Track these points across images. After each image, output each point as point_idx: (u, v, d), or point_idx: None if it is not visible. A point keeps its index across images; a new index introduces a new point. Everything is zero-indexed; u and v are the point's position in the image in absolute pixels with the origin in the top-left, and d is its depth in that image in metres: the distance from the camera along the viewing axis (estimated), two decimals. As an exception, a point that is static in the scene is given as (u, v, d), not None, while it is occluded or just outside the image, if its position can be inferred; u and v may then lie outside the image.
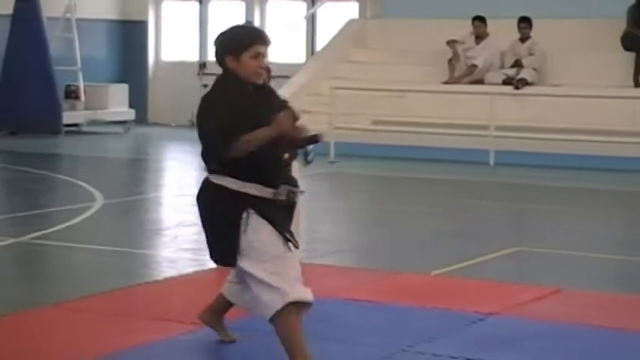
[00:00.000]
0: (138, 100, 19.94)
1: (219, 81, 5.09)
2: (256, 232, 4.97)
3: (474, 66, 16.29)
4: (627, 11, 15.79)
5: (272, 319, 4.95)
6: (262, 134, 4.91)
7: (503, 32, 16.27)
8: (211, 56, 21.22)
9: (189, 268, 7.80)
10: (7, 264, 8.23)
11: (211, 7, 20.87)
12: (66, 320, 6.09)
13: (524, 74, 15.87)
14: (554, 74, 16.11)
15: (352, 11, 19.11)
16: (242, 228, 4.96)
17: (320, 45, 19.17)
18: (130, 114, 19.36)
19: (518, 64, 16.11)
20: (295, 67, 17.41)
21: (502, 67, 16.37)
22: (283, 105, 5.10)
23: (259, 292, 4.97)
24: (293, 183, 5.13)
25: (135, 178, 13.97)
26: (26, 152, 15.68)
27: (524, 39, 16.23)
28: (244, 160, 4.92)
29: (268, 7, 20.37)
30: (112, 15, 20.82)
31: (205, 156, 5.05)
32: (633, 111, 14.85)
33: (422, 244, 9.16)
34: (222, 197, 5.01)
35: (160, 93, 20.96)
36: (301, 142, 5.12)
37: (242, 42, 5.02)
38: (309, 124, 5.43)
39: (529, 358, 5.48)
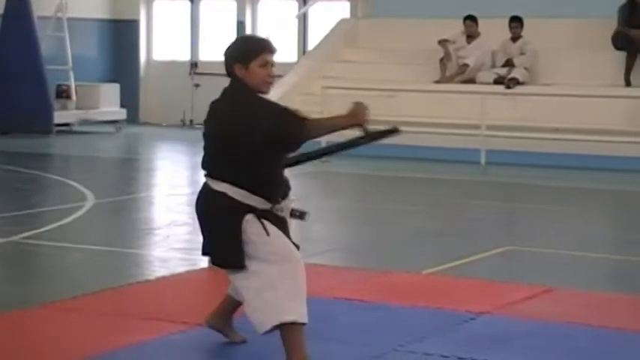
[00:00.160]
0: (129, 99, 19.92)
1: (229, 91, 5.12)
2: (261, 234, 5.00)
3: (466, 65, 16.31)
4: (618, 10, 15.82)
5: (266, 333, 5.01)
6: (336, 121, 5.02)
7: (494, 32, 16.29)
8: (203, 55, 21.19)
9: (180, 268, 7.79)
10: (-2, 264, 8.23)
11: (203, 6, 20.86)
12: (57, 320, 6.08)
13: (516, 74, 15.89)
14: (546, 73, 16.14)
15: (344, 11, 19.12)
16: (245, 231, 4.99)
17: (311, 44, 19.18)
18: (122, 113, 19.35)
19: (509, 64, 16.13)
20: (287, 67, 17.40)
21: (493, 66, 16.39)
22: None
23: (254, 306, 4.99)
24: (287, 186, 5.17)
25: (126, 178, 13.96)
26: (17, 152, 15.66)
27: (515, 38, 16.25)
28: (251, 172, 4.98)
29: (260, 6, 20.36)
30: (104, 14, 20.80)
31: (287, 144, 5.00)
32: (624, 110, 14.88)
33: (413, 243, 9.17)
34: (221, 204, 5.02)
35: (151, 92, 20.95)
36: (380, 136, 5.16)
37: (250, 51, 5.09)
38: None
39: (520, 357, 5.49)
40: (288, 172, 5.30)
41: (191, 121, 19.77)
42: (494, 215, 11.16)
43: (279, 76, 16.50)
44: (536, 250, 8.83)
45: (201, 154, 5.24)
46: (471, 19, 16.45)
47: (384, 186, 13.18)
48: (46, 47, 17.84)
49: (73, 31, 18.78)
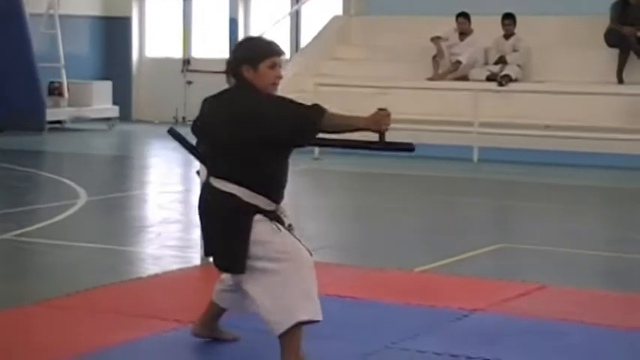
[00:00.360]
0: (122, 97, 19.89)
1: (236, 92, 5.11)
2: (271, 234, 4.99)
3: (458, 62, 16.31)
4: (611, 8, 15.84)
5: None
6: (355, 121, 5.01)
7: (487, 29, 16.29)
8: (195, 53, 21.05)
9: (173, 265, 7.78)
10: (-10, 261, 8.21)
11: (195, 3, 20.83)
12: (50, 318, 6.07)
13: (509, 71, 15.89)
14: (538, 71, 16.15)
15: (336, 8, 19.10)
16: (254, 231, 4.98)
17: (304, 42, 19.16)
18: (114, 111, 19.32)
19: (502, 61, 16.14)
20: (279, 64, 17.39)
21: (486, 63, 16.40)
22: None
23: (268, 307, 4.97)
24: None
25: (119, 176, 13.94)
26: (9, 149, 15.63)
27: (508, 35, 16.26)
28: (258, 172, 4.98)
29: (252, 3, 20.35)
30: (96, 11, 20.77)
31: (298, 136, 4.98)
32: (617, 107, 14.90)
33: (405, 241, 9.17)
34: (231, 205, 5.01)
35: (143, 90, 20.92)
36: (394, 147, 5.14)
37: (259, 53, 5.12)
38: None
39: (513, 354, 5.49)
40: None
41: (184, 118, 19.74)
42: (486, 212, 11.17)
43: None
44: (529, 248, 8.83)
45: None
46: (463, 17, 16.46)
47: (376, 183, 13.18)
48: (38, 44, 17.79)
49: (66, 28, 18.74)
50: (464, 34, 16.50)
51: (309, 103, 5.08)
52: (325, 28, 18.18)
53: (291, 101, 5.06)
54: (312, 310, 4.97)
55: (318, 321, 5.00)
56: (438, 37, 16.48)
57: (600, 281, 7.77)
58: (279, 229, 5.03)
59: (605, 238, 9.58)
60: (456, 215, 10.66)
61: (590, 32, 15.94)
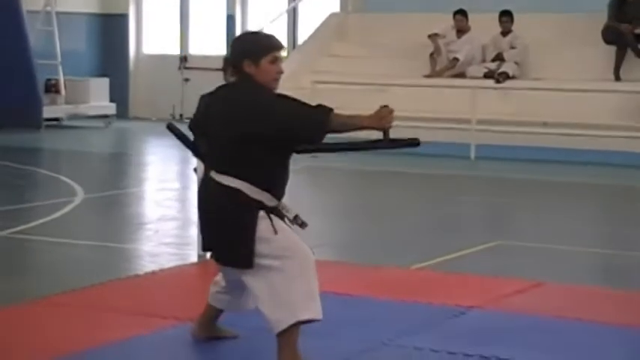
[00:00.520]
0: (119, 94, 19.87)
1: (238, 87, 5.09)
2: (278, 230, 4.99)
3: (456, 60, 16.32)
4: (608, 5, 15.84)
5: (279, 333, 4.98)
6: (359, 121, 4.99)
7: (484, 26, 16.30)
8: (193, 50, 20.96)
9: (170, 263, 7.78)
10: (-13, 259, 8.21)
11: (192, 0, 20.81)
12: (46, 315, 6.07)
13: (506, 68, 15.90)
14: (536, 68, 16.16)
15: (333, 5, 19.09)
16: (259, 228, 4.97)
17: (301, 39, 19.16)
18: (111, 108, 19.30)
19: (499, 58, 16.15)
20: (277, 61, 17.39)
21: (484, 60, 16.41)
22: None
23: (269, 304, 4.96)
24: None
25: (116, 173, 13.94)
26: (6, 146, 15.60)
27: (505, 33, 16.26)
28: (264, 168, 4.98)
29: (249, 0, 20.33)
30: (93, 8, 20.74)
31: (300, 135, 4.96)
32: (614, 105, 14.91)
33: (402, 238, 9.17)
34: (237, 200, 4.99)
35: (141, 87, 20.90)
36: (399, 144, 5.12)
37: (261, 48, 5.11)
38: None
39: (510, 351, 5.49)
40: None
41: (181, 115, 19.73)
42: (483, 210, 11.18)
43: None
44: (526, 245, 8.84)
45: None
46: (461, 14, 16.46)
47: (373, 181, 13.18)
48: (35, 41, 17.78)
49: (62, 25, 18.72)
50: (461, 31, 16.50)
51: (311, 103, 5.07)
52: (322, 25, 18.17)
53: (296, 100, 5.04)
54: (313, 310, 4.96)
55: (318, 320, 5.00)
56: (436, 35, 16.48)
57: (597, 278, 7.78)
58: (274, 228, 5.01)
59: (602, 236, 9.58)
60: (453, 213, 10.66)
61: (588, 29, 15.94)
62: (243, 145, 4.98)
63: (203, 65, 18.63)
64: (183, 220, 9.62)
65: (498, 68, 15.92)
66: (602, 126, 14.41)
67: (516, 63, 16.03)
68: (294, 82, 16.40)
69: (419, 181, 13.05)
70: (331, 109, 4.98)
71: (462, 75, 16.26)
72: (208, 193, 5.11)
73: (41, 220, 9.45)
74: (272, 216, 5.02)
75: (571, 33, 16.27)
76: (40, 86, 17.97)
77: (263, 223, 5.00)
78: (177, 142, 5.53)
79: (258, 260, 4.97)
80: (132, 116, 20.60)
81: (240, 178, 5.00)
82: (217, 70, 5.32)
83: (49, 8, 18.47)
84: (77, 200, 10.61)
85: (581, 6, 16.16)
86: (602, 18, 15.82)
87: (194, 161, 5.99)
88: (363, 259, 8.07)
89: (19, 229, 8.98)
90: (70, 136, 17.72)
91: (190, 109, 5.40)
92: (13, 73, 17.25)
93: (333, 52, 17.57)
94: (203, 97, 5.29)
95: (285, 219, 5.13)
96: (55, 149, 16.23)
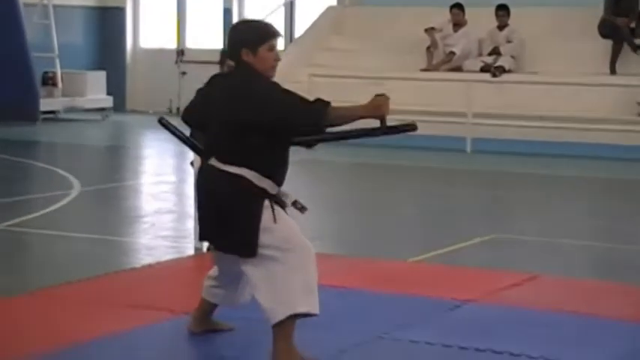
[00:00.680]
0: (116, 87, 19.86)
1: (237, 75, 5.09)
2: (280, 220, 4.99)
3: (452, 53, 16.32)
4: (604, -1, 15.86)
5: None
6: (357, 112, 5.02)
7: (481, 20, 16.30)
8: (189, 43, 20.90)
9: (167, 256, 7.79)
10: (-16, 252, 8.22)
11: (189, -6, 20.80)
12: (43, 308, 6.08)
13: (502, 62, 15.90)
14: (532, 62, 16.16)
15: (331, -2, 19.10)
16: (263, 218, 4.96)
17: (298, 32, 19.15)
18: (108, 101, 19.29)
19: (496, 52, 16.15)
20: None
21: (480, 54, 16.41)
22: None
23: (267, 295, 4.95)
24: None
25: (112, 166, 13.94)
26: (3, 139, 15.60)
27: (502, 27, 16.26)
28: (266, 155, 4.97)
29: (247, -7, 20.33)
30: (90, 1, 20.72)
31: (300, 128, 4.98)
32: (610, 98, 14.91)
33: (398, 231, 9.19)
34: (241, 187, 4.97)
35: (137, 80, 20.89)
36: (396, 130, 5.14)
37: (258, 36, 5.10)
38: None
39: (506, 344, 5.50)
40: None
41: (178, 108, 19.71)
42: (479, 203, 11.19)
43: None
44: (521, 238, 8.85)
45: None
46: (457, 7, 16.46)
47: (369, 174, 13.19)
48: (32, 34, 17.74)
49: (59, 18, 18.71)
50: (458, 25, 16.50)
51: (309, 97, 5.08)
52: (319, 18, 18.16)
53: (295, 93, 5.04)
54: (311, 304, 4.97)
55: (315, 315, 5.01)
56: (432, 28, 16.48)
57: (593, 271, 7.80)
58: (285, 216, 5.01)
59: (597, 229, 9.60)
60: (449, 206, 10.68)
61: (584, 23, 15.95)
62: (244, 133, 4.97)
63: (200, 59, 18.61)
64: (180, 213, 9.62)
65: (495, 62, 15.93)
66: (598, 120, 14.43)
67: (513, 57, 16.03)
68: (291, 76, 16.39)
69: (415, 174, 13.07)
70: (329, 103, 4.99)
71: (458, 69, 16.26)
72: (209, 181, 5.08)
73: (38, 213, 9.45)
74: (275, 206, 5.01)
75: (567, 27, 16.28)
76: (37, 79, 17.95)
77: (266, 213, 5.00)
78: (174, 136, 5.52)
79: (260, 250, 4.97)
80: (129, 109, 20.59)
81: (243, 166, 4.98)
82: (214, 63, 5.33)
83: (46, 1, 18.46)
84: (74, 193, 10.61)
85: (577, 0, 16.17)
86: (598, 12, 15.82)
87: (191, 154, 5.99)
88: (359, 252, 8.08)
89: (15, 221, 8.98)
90: (67, 129, 17.72)
91: (187, 103, 5.40)
92: (10, 66, 17.22)
93: (330, 46, 17.57)
94: (200, 90, 5.30)
95: (286, 208, 5.12)
96: (52, 142, 16.23)
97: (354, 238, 8.90)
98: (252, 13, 19.80)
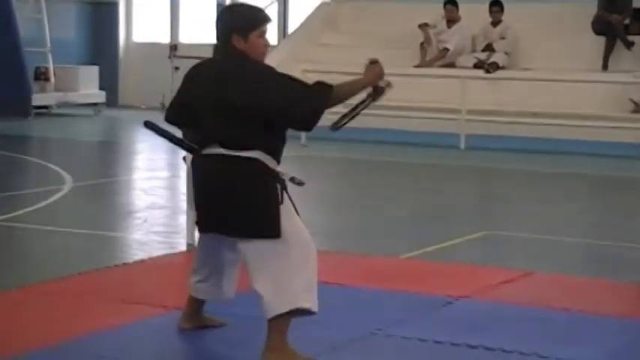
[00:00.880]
0: (108, 82, 19.85)
1: (232, 60, 5.03)
2: (289, 215, 4.96)
3: (446, 49, 16.32)
4: (598, -5, 15.87)
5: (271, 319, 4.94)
6: (357, 85, 5.14)
7: (475, 16, 16.30)
8: (183, 38, 20.92)
9: (159, 251, 7.78)
10: (-25, 246, 8.19)
11: (183, -11, 20.78)
12: (34, 303, 6.06)
13: (496, 58, 15.91)
14: (526, 58, 16.18)
15: (324, -6, 19.07)
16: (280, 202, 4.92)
17: (292, 28, 19.14)
18: (101, 96, 19.28)
19: (489, 48, 16.16)
20: (266, 50, 17.35)
21: (474, 50, 16.42)
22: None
23: (268, 287, 4.91)
24: None
25: (105, 161, 13.92)
26: (-5, 134, 15.60)
27: (496, 23, 16.27)
28: (271, 135, 4.94)
29: (240, -11, 20.28)
30: (82, -4, 20.71)
31: (298, 114, 4.94)
32: (604, 95, 14.94)
33: (391, 228, 9.18)
34: (257, 169, 4.91)
35: (130, 75, 20.87)
36: (380, 93, 5.34)
37: (249, 22, 5.06)
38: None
39: (499, 340, 5.49)
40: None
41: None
42: (473, 200, 11.19)
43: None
44: (515, 235, 8.85)
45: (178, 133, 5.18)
46: (451, 4, 16.46)
47: (362, 170, 13.18)
48: (24, 29, 17.72)
49: (52, 12, 18.68)
50: (451, 21, 16.50)
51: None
52: (313, 14, 18.16)
53: (295, 78, 5.05)
54: (311, 301, 4.94)
55: (313, 313, 4.97)
56: (426, 24, 16.48)
57: (585, 268, 7.79)
58: (292, 209, 4.99)
59: (591, 226, 9.60)
60: (442, 202, 10.67)
61: (578, 20, 15.97)
62: (246, 116, 4.90)
63: (193, 54, 18.55)
64: (172, 208, 9.60)
65: (488, 58, 15.94)
66: (591, 116, 14.45)
67: (506, 53, 16.04)
68: (285, 71, 16.38)
69: (408, 170, 13.06)
70: (331, 88, 4.99)
71: (451, 65, 16.27)
72: (215, 169, 4.95)
73: (30, 208, 9.43)
74: (284, 192, 4.96)
75: (561, 24, 16.29)
76: (30, 74, 17.93)
77: (287, 201, 4.97)
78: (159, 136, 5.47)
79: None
80: (121, 104, 20.57)
81: (253, 149, 4.91)
82: (221, 45, 5.25)
83: (38, -4, 18.43)
84: (66, 188, 10.59)
85: (571, -4, 16.20)
86: (592, 9, 15.84)
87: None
88: (352, 248, 8.07)
89: (7, 216, 8.96)
90: (60, 124, 17.69)
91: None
92: (2, 60, 17.20)
93: (324, 42, 17.56)
94: (182, 88, 5.26)
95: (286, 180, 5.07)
96: (45, 137, 16.20)
97: (347, 235, 8.88)
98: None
